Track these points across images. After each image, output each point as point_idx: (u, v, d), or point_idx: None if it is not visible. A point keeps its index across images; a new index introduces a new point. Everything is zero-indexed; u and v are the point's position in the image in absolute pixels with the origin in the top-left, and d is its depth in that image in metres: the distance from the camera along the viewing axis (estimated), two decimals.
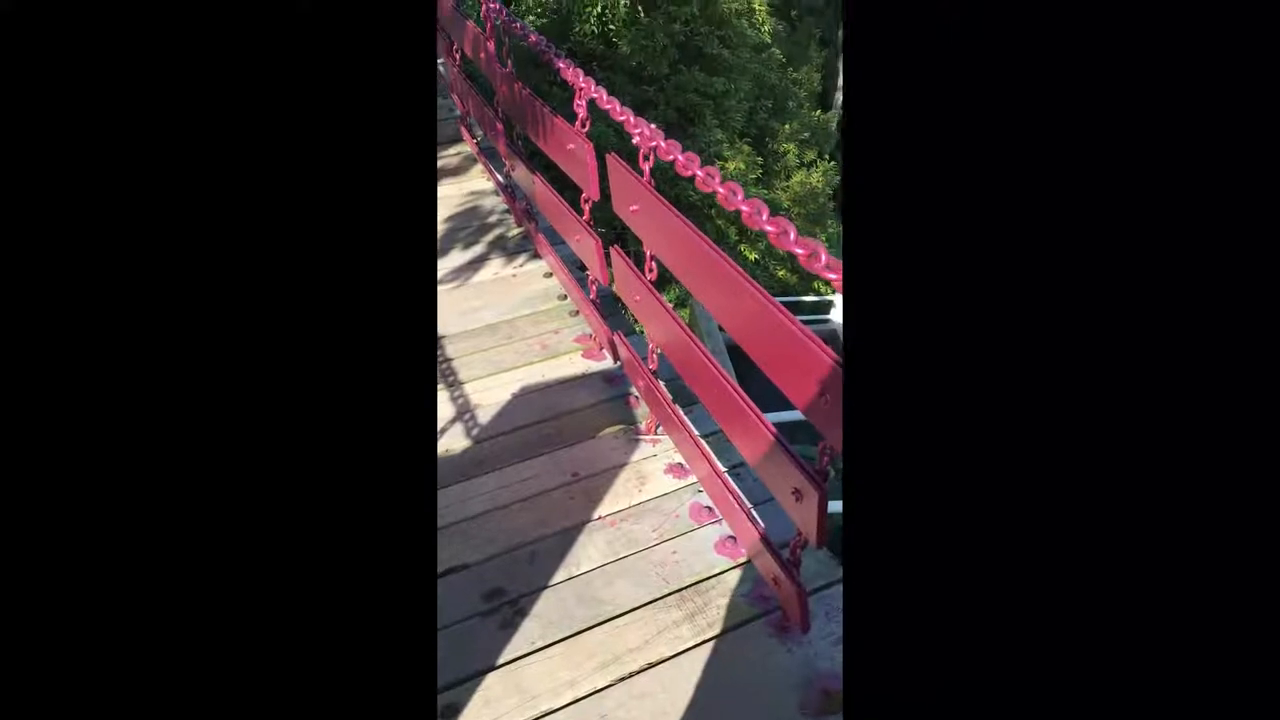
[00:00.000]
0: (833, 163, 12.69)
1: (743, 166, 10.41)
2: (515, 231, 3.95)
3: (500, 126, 3.55)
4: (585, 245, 2.73)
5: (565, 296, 3.41)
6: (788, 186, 11.69)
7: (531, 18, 10.53)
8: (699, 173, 1.83)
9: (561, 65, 2.49)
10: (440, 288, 3.52)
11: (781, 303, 1.67)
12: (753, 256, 10.76)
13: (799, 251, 1.49)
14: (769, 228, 1.58)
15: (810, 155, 12.60)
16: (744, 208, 1.65)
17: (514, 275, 3.62)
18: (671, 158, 1.93)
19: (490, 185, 4.37)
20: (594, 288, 2.90)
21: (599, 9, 9.95)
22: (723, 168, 10.20)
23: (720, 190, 1.73)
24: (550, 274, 3.57)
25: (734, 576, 2.12)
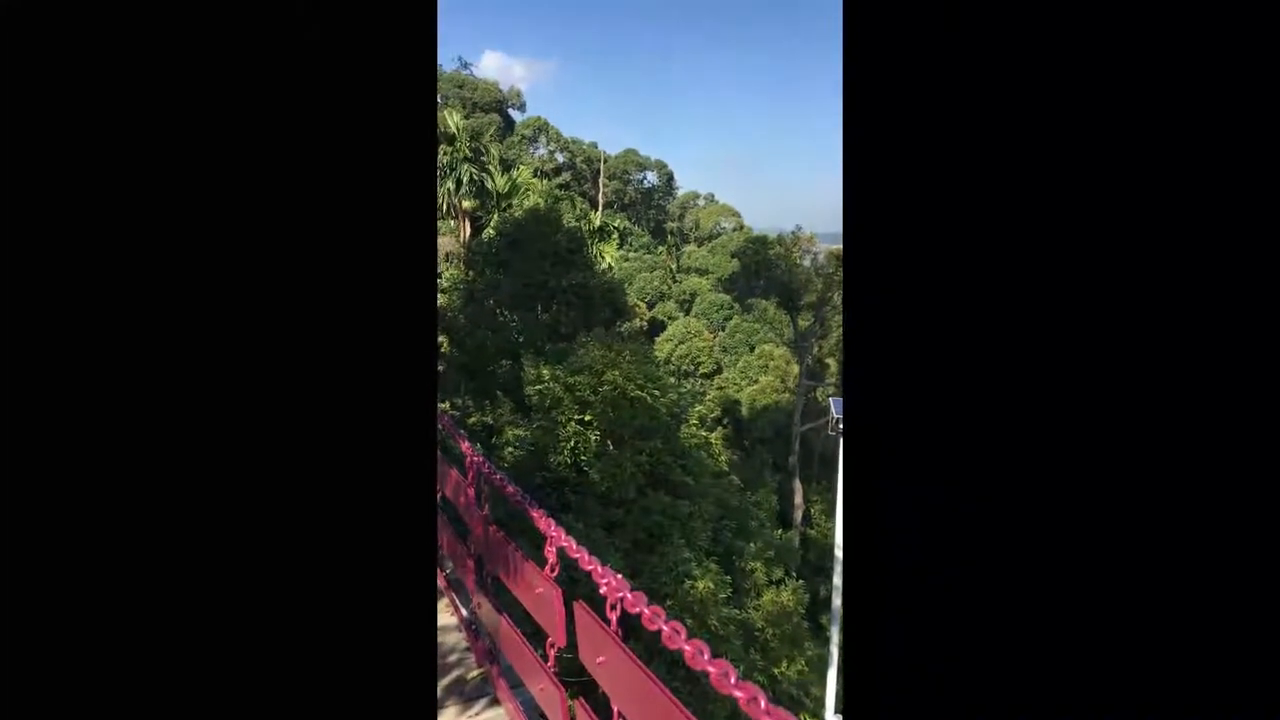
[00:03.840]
0: (801, 581, 12.79)
1: (712, 586, 10.40)
2: (475, 673, 3.70)
3: (471, 563, 3.63)
4: (549, 696, 2.56)
5: None
6: (759, 605, 11.54)
7: (511, 449, 11.64)
8: (664, 628, 1.85)
9: (535, 515, 2.69)
10: None
11: None
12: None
13: (738, 695, 1.49)
14: (738, 693, 1.54)
15: (778, 573, 12.77)
16: (710, 669, 1.63)
17: None
18: (638, 610, 1.96)
19: (454, 620, 4.25)
20: None
21: (572, 444, 11.10)
22: (692, 587, 10.18)
23: (687, 648, 1.73)
24: None
25: None
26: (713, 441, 13.72)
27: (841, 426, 8.02)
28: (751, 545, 12.71)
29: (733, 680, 1.56)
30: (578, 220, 22.56)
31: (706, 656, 1.66)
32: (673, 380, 16.61)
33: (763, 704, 1.46)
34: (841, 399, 8.52)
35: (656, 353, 21.97)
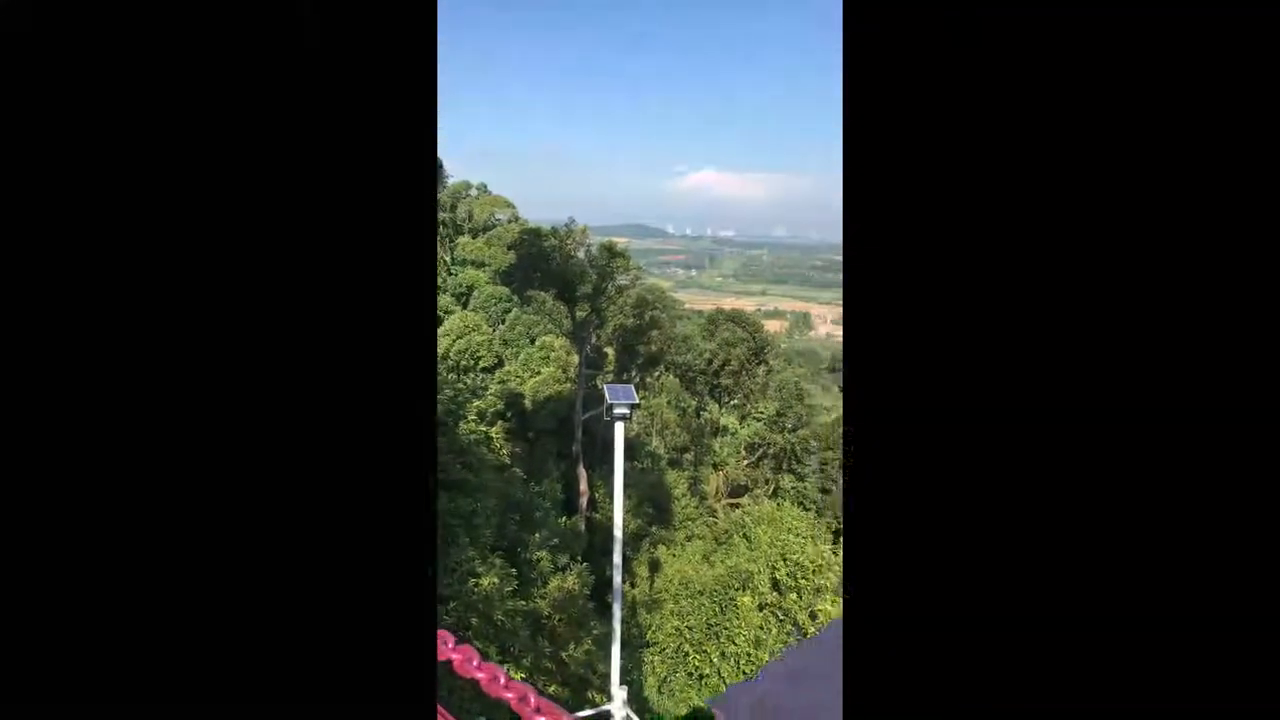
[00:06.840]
0: (586, 564, 13.16)
1: (497, 581, 10.30)
2: None
3: None
4: None
5: None
6: (545, 593, 11.66)
7: None
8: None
9: None
10: None
11: None
12: (519, 676, 10.02)
13: (509, 696, 1.50)
14: (508, 695, 1.55)
15: (563, 559, 13.00)
16: (479, 675, 1.62)
17: None
18: None
19: None
20: None
21: None
22: (477, 585, 9.99)
23: (455, 657, 1.69)
24: None
25: None
26: (493, 436, 13.53)
27: (615, 412, 8.30)
28: (537, 535, 12.77)
29: (502, 682, 1.56)
30: None
31: (475, 664, 1.64)
32: (451, 376, 16.03)
33: (533, 701, 1.48)
34: (615, 385, 8.85)
35: None
